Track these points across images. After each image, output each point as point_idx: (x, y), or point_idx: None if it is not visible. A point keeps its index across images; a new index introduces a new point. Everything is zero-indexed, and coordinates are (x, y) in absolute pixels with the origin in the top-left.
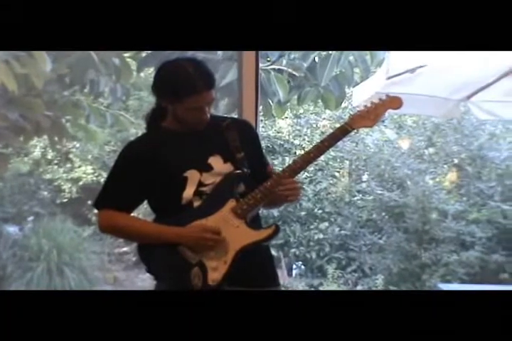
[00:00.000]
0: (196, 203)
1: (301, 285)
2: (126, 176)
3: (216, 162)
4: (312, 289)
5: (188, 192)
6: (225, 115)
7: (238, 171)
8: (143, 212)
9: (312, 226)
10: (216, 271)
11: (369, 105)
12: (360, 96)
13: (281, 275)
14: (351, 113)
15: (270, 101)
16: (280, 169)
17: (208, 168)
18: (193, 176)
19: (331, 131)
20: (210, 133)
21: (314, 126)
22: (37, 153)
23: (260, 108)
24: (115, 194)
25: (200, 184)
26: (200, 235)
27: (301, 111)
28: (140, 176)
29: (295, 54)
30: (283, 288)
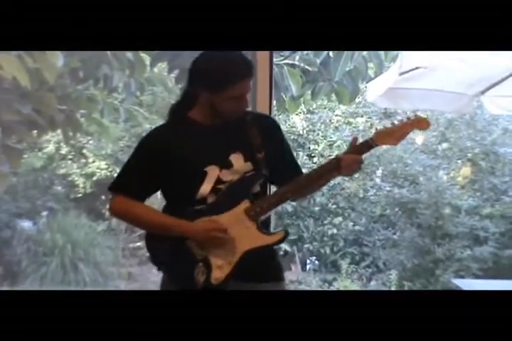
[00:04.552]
0: (210, 199)
1: (314, 280)
2: (145, 164)
3: (237, 159)
4: (323, 285)
5: (205, 188)
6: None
7: (256, 173)
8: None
9: (326, 222)
10: (220, 270)
11: (396, 123)
12: (375, 91)
13: (295, 270)
14: (377, 128)
15: (284, 96)
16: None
17: (228, 165)
18: (212, 172)
19: (345, 126)
20: (234, 129)
21: (328, 121)
22: (51, 148)
23: (274, 103)
24: (131, 180)
25: (218, 180)
26: (207, 232)
27: (315, 106)
28: (158, 165)
29: None
30: (297, 283)
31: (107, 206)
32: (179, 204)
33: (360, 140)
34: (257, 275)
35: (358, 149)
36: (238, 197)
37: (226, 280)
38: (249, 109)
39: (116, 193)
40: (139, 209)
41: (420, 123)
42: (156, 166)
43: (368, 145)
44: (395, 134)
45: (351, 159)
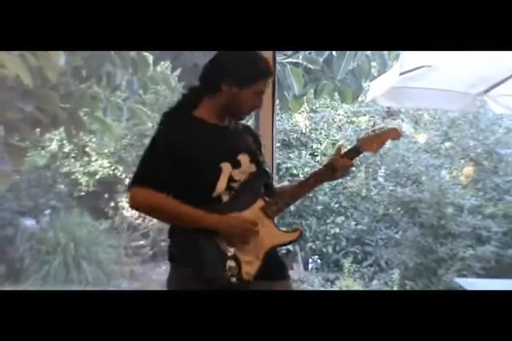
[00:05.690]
0: (225, 197)
1: (317, 280)
2: (162, 159)
3: (244, 160)
4: (326, 284)
5: (221, 185)
6: None
7: (264, 173)
8: None
9: (328, 221)
10: (250, 265)
11: (375, 132)
12: (378, 90)
13: (297, 269)
14: (362, 136)
15: (287, 95)
16: (296, 163)
17: (238, 164)
18: (226, 168)
19: (347, 125)
20: (236, 132)
21: (331, 120)
22: (54, 146)
23: (277, 101)
24: (153, 172)
25: (231, 178)
26: (241, 224)
27: (318, 105)
28: (175, 162)
29: None
30: (299, 282)
31: (110, 204)
32: (195, 202)
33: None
34: (263, 274)
35: (348, 154)
36: (252, 196)
37: (256, 275)
38: None
39: (139, 186)
40: (165, 200)
41: (392, 133)
42: (172, 163)
43: (357, 150)
44: (374, 142)
45: (345, 163)
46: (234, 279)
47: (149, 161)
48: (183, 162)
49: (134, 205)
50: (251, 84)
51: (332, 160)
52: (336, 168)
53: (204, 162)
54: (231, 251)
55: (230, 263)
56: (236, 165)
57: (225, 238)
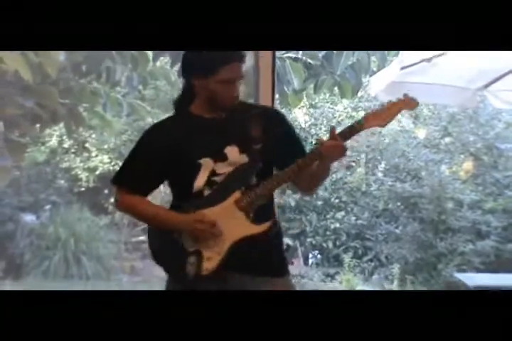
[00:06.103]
0: (207, 192)
1: (317, 274)
2: (147, 159)
3: (232, 152)
4: (326, 279)
5: (200, 181)
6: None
7: (251, 164)
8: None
9: (329, 216)
10: (210, 261)
11: (384, 105)
12: (377, 85)
13: (298, 264)
14: (367, 112)
15: (286, 90)
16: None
17: (223, 158)
18: (206, 164)
19: (347, 120)
20: (234, 122)
21: (330, 115)
22: (53, 142)
23: (276, 96)
24: (135, 175)
25: (213, 173)
26: (194, 225)
27: (317, 100)
28: (159, 160)
29: None
30: (299, 277)
31: (110, 200)
32: (179, 198)
33: None
34: (258, 269)
35: (341, 135)
36: (233, 189)
37: (217, 270)
38: (252, 102)
39: (122, 187)
40: (143, 206)
41: (408, 103)
42: (156, 161)
43: (354, 129)
44: (382, 115)
45: (332, 145)
46: (191, 275)
47: (131, 161)
48: (167, 158)
49: (118, 208)
50: (215, 72)
51: (317, 145)
52: (322, 153)
53: (182, 159)
54: (194, 246)
55: (191, 259)
56: (221, 158)
57: (189, 235)
